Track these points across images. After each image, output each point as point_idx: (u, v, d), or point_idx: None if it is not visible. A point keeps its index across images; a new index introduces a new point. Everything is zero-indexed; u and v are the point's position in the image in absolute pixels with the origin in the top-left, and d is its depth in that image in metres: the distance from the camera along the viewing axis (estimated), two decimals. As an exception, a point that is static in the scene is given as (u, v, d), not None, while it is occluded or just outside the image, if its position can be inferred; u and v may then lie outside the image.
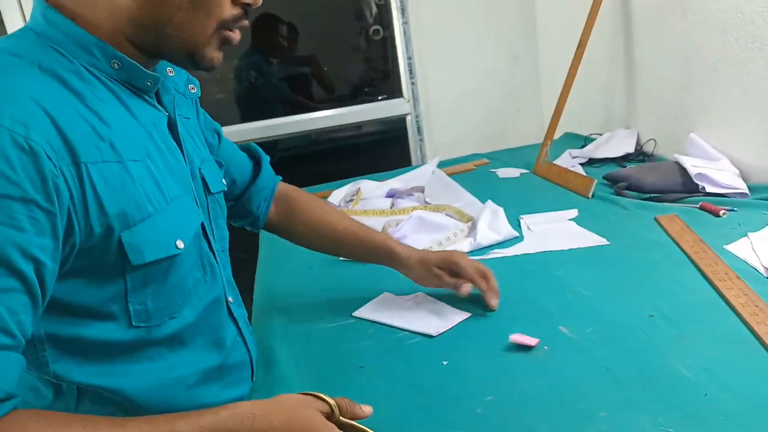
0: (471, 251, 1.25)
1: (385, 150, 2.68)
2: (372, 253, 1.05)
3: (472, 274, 0.98)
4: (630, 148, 1.74)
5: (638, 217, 1.30)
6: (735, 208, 1.24)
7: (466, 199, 1.60)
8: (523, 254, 1.20)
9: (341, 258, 1.25)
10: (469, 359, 0.86)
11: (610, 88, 1.89)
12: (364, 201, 1.71)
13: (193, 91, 0.86)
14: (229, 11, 0.69)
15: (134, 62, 0.69)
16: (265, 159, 1.03)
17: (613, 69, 1.85)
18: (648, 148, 1.72)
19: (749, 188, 1.32)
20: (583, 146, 1.92)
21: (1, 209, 0.55)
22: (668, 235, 1.18)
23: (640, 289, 0.99)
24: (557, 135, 2.15)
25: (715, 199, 1.29)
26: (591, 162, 1.78)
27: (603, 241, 1.20)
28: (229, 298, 0.84)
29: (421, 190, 1.72)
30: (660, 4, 1.57)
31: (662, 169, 1.46)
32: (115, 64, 0.68)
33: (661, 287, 0.98)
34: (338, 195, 1.76)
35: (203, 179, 0.82)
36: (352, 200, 1.72)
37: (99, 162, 0.63)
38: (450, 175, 1.89)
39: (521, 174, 1.81)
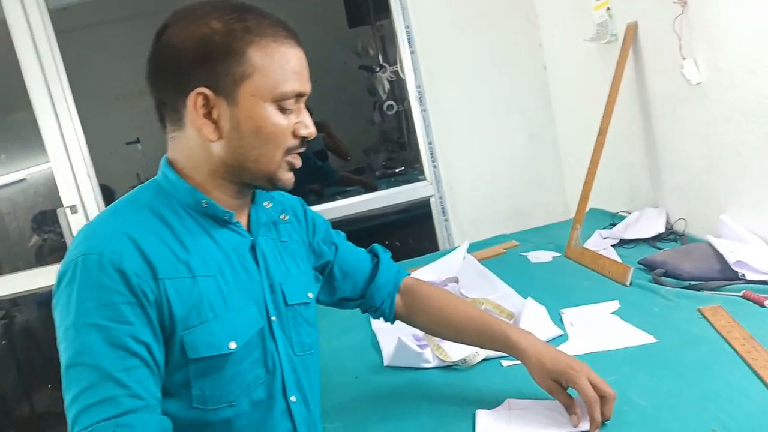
0: (517, 353, 1.25)
1: (414, 229, 2.72)
2: (490, 340, 1.08)
3: (590, 400, 0.92)
4: (660, 228, 1.76)
5: (681, 308, 1.30)
6: (779, 296, 1.24)
7: (502, 290, 1.61)
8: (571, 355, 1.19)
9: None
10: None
11: (634, 167, 1.92)
12: (399, 295, 1.72)
13: (284, 219, 1.04)
14: (291, 141, 0.89)
15: (216, 203, 0.90)
16: (384, 257, 1.18)
17: (635, 150, 1.89)
18: (678, 227, 1.73)
19: (790, 273, 1.32)
20: (612, 224, 1.94)
21: (114, 312, 0.77)
22: (715, 329, 1.18)
23: (697, 397, 0.98)
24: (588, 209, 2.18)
25: (757, 287, 1.29)
26: (622, 243, 1.80)
27: (650, 338, 1.20)
28: (292, 398, 0.95)
29: (455, 280, 1.73)
30: (676, 94, 1.61)
31: (698, 253, 1.47)
32: (204, 204, 0.90)
33: (718, 394, 0.97)
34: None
35: (282, 293, 0.98)
36: (387, 294, 1.74)
37: (174, 278, 0.83)
38: (481, 260, 1.91)
39: (553, 258, 1.82)
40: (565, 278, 1.64)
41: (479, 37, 2.37)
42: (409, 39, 2.33)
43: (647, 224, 1.79)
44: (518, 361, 1.16)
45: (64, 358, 0.77)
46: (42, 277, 2.32)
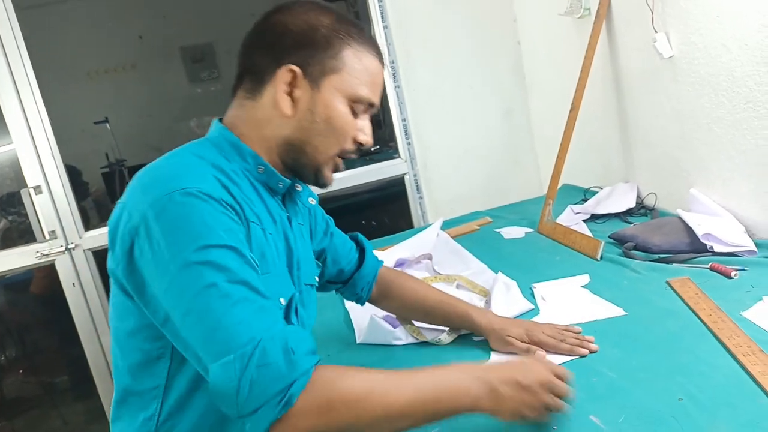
0: (489, 328, 1.25)
1: (389, 207, 2.70)
2: (455, 320, 1.21)
3: (554, 345, 1.09)
4: (631, 203, 1.77)
5: (650, 281, 1.31)
6: (745, 268, 1.26)
7: (474, 267, 1.61)
8: (541, 330, 1.20)
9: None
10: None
11: (606, 143, 1.92)
12: (372, 272, 1.71)
13: (312, 203, 1.08)
14: (349, 144, 0.95)
15: (273, 169, 0.94)
16: (369, 248, 1.26)
17: (607, 125, 1.89)
18: (649, 201, 1.75)
19: (756, 245, 1.33)
20: (583, 200, 1.95)
21: (235, 236, 0.80)
22: (683, 301, 1.19)
23: (665, 369, 0.99)
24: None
25: (725, 259, 1.31)
26: (593, 217, 1.81)
27: (620, 311, 1.21)
28: None
29: (429, 257, 1.73)
30: (649, 69, 1.61)
31: (668, 227, 1.48)
32: (260, 169, 0.94)
33: (685, 365, 0.98)
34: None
35: (300, 271, 1.02)
36: (361, 272, 1.73)
37: (253, 222, 0.87)
38: (454, 237, 1.90)
39: (526, 234, 1.82)
40: (537, 253, 1.65)
41: (453, 12, 2.34)
42: (382, 14, 2.29)
43: (618, 199, 1.81)
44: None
45: (203, 280, 0.74)
46: (8, 260, 2.27)
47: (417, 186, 2.46)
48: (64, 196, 2.24)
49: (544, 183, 2.44)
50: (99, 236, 2.30)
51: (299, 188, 1.02)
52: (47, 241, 2.25)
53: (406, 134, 2.41)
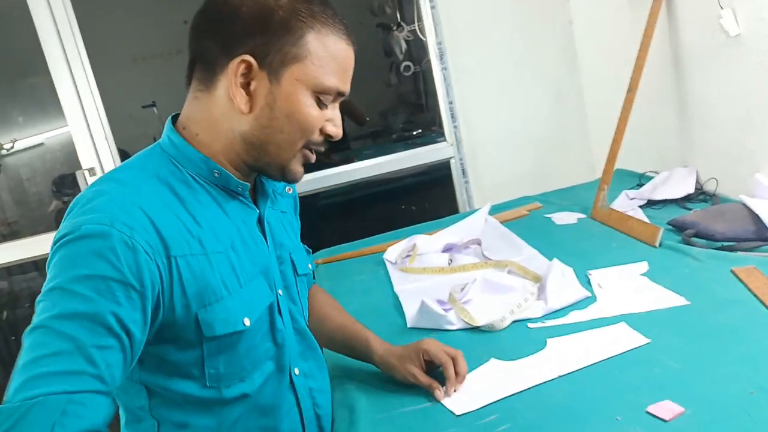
0: (544, 315, 1.23)
1: (431, 193, 2.68)
2: (352, 347, 1.12)
3: (444, 358, 1.01)
4: (690, 189, 1.70)
5: (713, 269, 1.26)
6: (817, 257, 1.20)
7: (526, 253, 1.57)
8: (600, 318, 1.17)
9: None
10: (565, 449, 0.84)
11: (663, 126, 1.85)
12: (420, 257, 1.71)
13: (289, 192, 1.05)
14: (316, 136, 0.87)
15: (229, 173, 0.87)
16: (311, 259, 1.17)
17: (664, 107, 1.82)
18: (709, 187, 1.68)
19: (829, 233, 1.27)
20: (639, 185, 1.89)
21: (105, 288, 0.71)
22: (750, 291, 1.14)
23: (732, 360, 0.95)
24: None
25: (794, 248, 1.25)
26: (650, 203, 1.75)
27: (682, 300, 1.16)
28: (295, 370, 0.97)
29: (478, 242, 1.71)
30: (711, 48, 1.54)
31: (731, 214, 1.42)
32: (216, 174, 0.87)
33: (754, 356, 0.94)
34: (394, 252, 1.75)
35: (293, 263, 0.99)
36: (408, 256, 1.72)
37: (187, 255, 0.80)
38: (503, 222, 1.87)
39: (578, 220, 1.78)
40: (592, 240, 1.60)
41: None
42: (429, -7, 2.25)
43: (676, 184, 1.74)
44: (545, 324, 1.19)
45: (37, 318, 0.70)
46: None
47: (463, 170, 2.43)
48: (117, 178, 2.29)
49: (595, 167, 2.38)
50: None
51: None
52: (101, 222, 2.30)
53: (452, 117, 2.38)
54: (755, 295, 1.12)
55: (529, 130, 2.41)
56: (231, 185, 0.88)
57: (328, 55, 0.83)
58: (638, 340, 1.06)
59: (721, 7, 1.44)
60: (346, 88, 0.87)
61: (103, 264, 0.71)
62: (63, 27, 2.17)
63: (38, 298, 0.72)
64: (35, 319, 0.70)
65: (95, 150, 2.27)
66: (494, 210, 1.97)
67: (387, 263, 1.73)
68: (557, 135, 2.42)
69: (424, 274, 1.60)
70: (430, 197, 2.74)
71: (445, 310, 1.28)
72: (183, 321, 0.80)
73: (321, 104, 0.85)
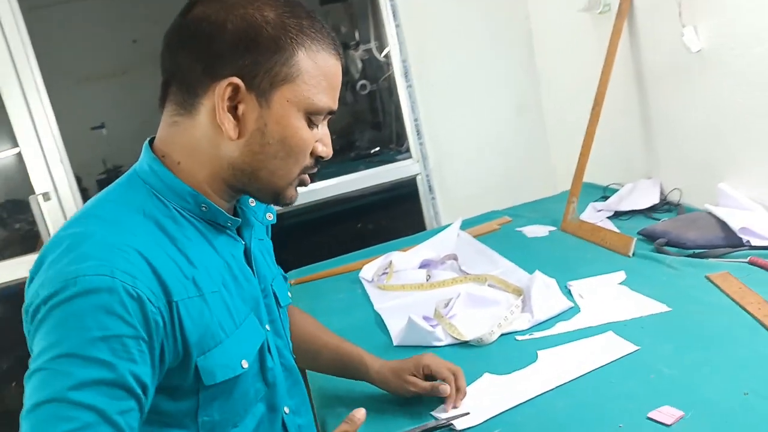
0: (531, 327, 1.23)
1: (397, 210, 2.68)
2: (345, 366, 1.09)
3: (446, 374, 1.00)
4: (655, 199, 1.76)
5: (688, 276, 1.30)
6: (785, 261, 1.25)
7: (503, 266, 1.59)
8: (586, 327, 1.18)
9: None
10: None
11: (627, 139, 1.91)
12: (397, 274, 1.69)
13: (269, 219, 0.97)
14: (309, 160, 0.82)
15: (219, 208, 0.81)
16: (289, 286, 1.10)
17: (628, 122, 1.88)
18: (673, 197, 1.74)
19: (793, 238, 1.33)
20: (604, 197, 1.94)
21: (121, 347, 0.66)
22: (727, 296, 1.18)
23: (722, 363, 0.97)
24: (573, 185, 2.17)
25: (763, 253, 1.30)
26: (617, 215, 1.80)
27: (664, 307, 1.19)
28: (285, 408, 0.92)
29: (454, 257, 1.71)
30: (674, 63, 1.61)
31: (700, 222, 1.47)
32: (203, 207, 0.80)
33: (743, 359, 0.97)
34: (370, 269, 1.74)
35: (275, 294, 0.93)
36: (385, 273, 1.71)
37: (185, 298, 0.74)
38: (476, 237, 1.89)
39: (549, 232, 1.81)
40: (565, 251, 1.63)
41: (465, 9, 2.32)
42: (393, 12, 2.27)
43: (641, 195, 1.80)
44: (533, 336, 1.20)
45: (46, 391, 0.63)
46: (11, 270, 2.21)
47: (429, 186, 2.44)
48: (74, 202, 2.20)
49: (559, 181, 2.43)
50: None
51: (253, 203, 0.90)
52: (56, 248, 2.19)
53: (418, 134, 2.39)
54: (733, 300, 1.16)
55: (494, 145, 2.45)
56: (219, 220, 0.81)
57: (320, 73, 0.77)
58: (628, 347, 1.08)
59: (683, 25, 1.50)
60: (336, 105, 0.81)
61: (114, 321, 0.66)
62: (13, 42, 2.08)
63: (38, 364, 0.65)
64: (44, 391, 0.63)
65: (50, 173, 2.16)
66: (464, 225, 1.98)
67: (363, 281, 1.71)
68: (521, 149, 2.46)
69: (403, 291, 1.59)
70: (396, 214, 2.74)
71: (431, 326, 1.27)
72: (181, 369, 0.75)
73: (312, 125, 0.80)
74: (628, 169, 1.95)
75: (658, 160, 1.81)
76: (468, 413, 0.97)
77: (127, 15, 4.66)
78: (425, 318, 1.31)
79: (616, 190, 1.93)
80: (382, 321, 1.42)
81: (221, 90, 0.73)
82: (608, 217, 1.79)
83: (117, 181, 0.81)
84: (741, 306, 1.13)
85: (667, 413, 0.88)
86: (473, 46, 2.36)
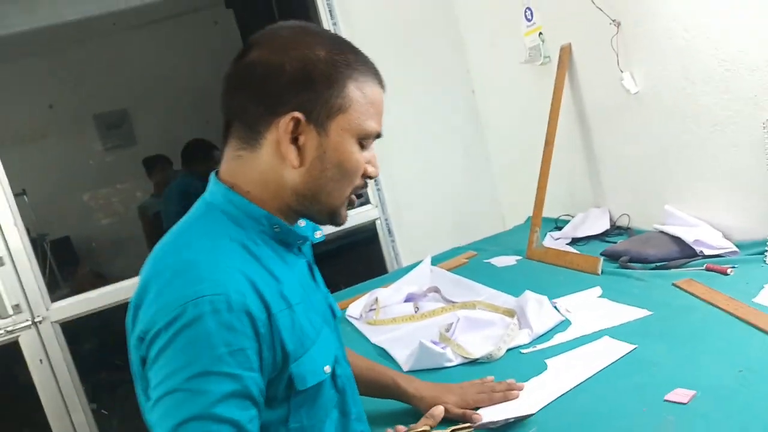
0: (532, 341, 1.34)
1: (354, 254, 2.76)
2: (382, 390, 1.16)
3: (488, 399, 1.11)
4: (606, 225, 1.96)
5: (657, 285, 1.47)
6: (735, 265, 1.45)
7: (485, 293, 1.70)
8: (582, 336, 1.31)
9: None
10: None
11: (573, 174, 2.12)
12: (384, 309, 1.77)
13: (318, 236, 0.99)
14: (360, 181, 0.90)
15: (291, 227, 0.89)
16: None
17: (573, 158, 2.09)
18: (622, 222, 1.94)
19: (736, 246, 1.54)
20: (557, 228, 2.12)
21: (245, 359, 0.74)
22: (697, 297, 1.35)
23: (712, 350, 1.12)
24: (523, 219, 2.36)
25: (716, 260, 1.50)
26: (574, 241, 1.97)
27: (645, 312, 1.34)
28: (353, 414, 0.98)
29: (436, 289, 1.81)
30: (614, 104, 1.84)
31: (653, 240, 1.66)
32: (276, 228, 0.87)
33: (727, 345, 1.13)
34: (357, 307, 1.80)
35: (331, 306, 1.01)
36: (373, 309, 1.77)
37: (280, 311, 0.80)
38: (449, 270, 2.00)
39: (517, 261, 1.95)
40: (538, 276, 1.77)
41: (409, 67, 2.50)
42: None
43: (594, 223, 1.99)
44: (536, 348, 1.30)
45: (186, 410, 0.69)
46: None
47: (389, 229, 2.55)
48: (29, 265, 2.12)
49: (507, 217, 2.61)
50: (68, 307, 2.17)
51: (302, 224, 0.95)
52: (11, 316, 2.09)
53: (375, 181, 2.51)
54: (703, 300, 1.33)
55: (445, 188, 2.61)
56: (290, 239, 0.89)
57: (367, 101, 0.85)
58: (626, 347, 1.21)
59: (621, 71, 1.74)
60: (381, 129, 0.90)
61: (236, 337, 0.72)
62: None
63: (169, 386, 0.70)
64: (182, 411, 0.69)
65: (3, 238, 2.08)
66: (433, 261, 2.09)
67: (351, 319, 1.77)
68: (469, 190, 2.64)
69: (395, 323, 1.66)
70: (355, 258, 2.82)
71: (441, 348, 1.35)
72: (278, 379, 0.80)
73: (363, 148, 0.88)
74: (575, 200, 2.16)
75: (604, 190, 2.02)
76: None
77: (40, 80, 4.57)
78: (432, 341, 1.39)
79: (567, 221, 2.12)
80: (384, 352, 1.49)
81: (285, 125, 0.82)
82: (567, 244, 1.96)
83: (190, 213, 0.88)
84: (711, 304, 1.30)
85: (681, 394, 1.00)
86: (421, 100, 2.54)
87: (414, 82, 2.49)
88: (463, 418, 1.06)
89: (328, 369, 0.87)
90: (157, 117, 4.76)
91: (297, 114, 0.81)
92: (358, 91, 0.84)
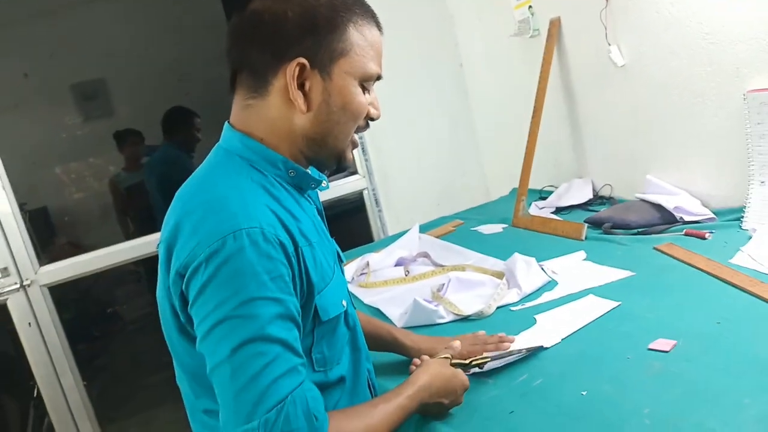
0: (521, 299, 1.41)
1: (345, 223, 2.79)
2: (381, 342, 1.20)
3: (481, 351, 1.14)
4: (589, 195, 2.02)
5: (639, 249, 1.54)
6: (713, 231, 1.52)
7: (473, 257, 1.76)
8: (568, 294, 1.37)
9: None
10: (600, 383, 1.00)
11: (557, 145, 2.18)
12: (375, 273, 1.81)
13: (324, 186, 1.02)
14: (363, 122, 0.94)
15: (305, 170, 0.93)
16: None
17: (558, 129, 2.14)
18: (605, 192, 2.01)
19: (714, 213, 1.61)
20: (541, 198, 2.18)
21: (284, 285, 0.79)
22: (677, 259, 1.42)
23: (691, 305, 1.19)
24: (507, 190, 2.42)
25: (695, 226, 1.57)
26: (558, 210, 2.04)
27: (628, 273, 1.41)
28: (363, 351, 1.03)
29: (425, 255, 1.86)
30: (601, 76, 1.89)
31: (635, 208, 1.73)
32: (291, 173, 0.92)
33: (706, 300, 1.20)
34: (349, 271, 1.84)
35: (338, 253, 1.05)
36: (364, 273, 1.82)
37: (304, 246, 0.85)
38: (437, 237, 2.05)
39: (503, 228, 2.01)
40: (524, 241, 1.83)
41: (399, 38, 2.51)
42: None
43: (577, 192, 2.05)
44: (525, 306, 1.36)
45: (240, 335, 0.74)
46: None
47: (376, 200, 2.59)
48: (17, 228, 2.11)
49: (491, 188, 2.67)
50: (56, 271, 2.17)
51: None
52: (-1, 279, 2.09)
53: (363, 150, 2.54)
54: (682, 261, 1.40)
55: (431, 160, 2.65)
56: (304, 183, 0.93)
57: (367, 44, 0.89)
58: (611, 304, 1.28)
59: (609, 44, 1.79)
60: (381, 71, 0.93)
61: (275, 264, 0.77)
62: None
63: (220, 315, 0.74)
64: (239, 334, 0.74)
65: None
66: (421, 229, 2.14)
67: (343, 282, 1.81)
68: (455, 161, 2.68)
69: (386, 286, 1.71)
70: (344, 227, 2.85)
71: (434, 306, 1.40)
72: (304, 309, 0.85)
73: (365, 90, 0.91)
74: (559, 171, 2.22)
75: (588, 161, 2.08)
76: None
77: (15, 50, 4.47)
78: (426, 298, 1.44)
79: (551, 192, 2.18)
80: (378, 312, 1.53)
81: (291, 70, 0.85)
82: (551, 213, 2.02)
83: (209, 160, 0.91)
84: (690, 264, 1.37)
85: (663, 343, 1.07)
86: (409, 73, 2.56)
87: (402, 55, 2.52)
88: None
89: (344, 303, 0.94)
90: (135, 88, 4.70)
91: (302, 59, 0.85)
92: (358, 34, 0.88)
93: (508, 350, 1.13)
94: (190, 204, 0.83)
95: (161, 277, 0.86)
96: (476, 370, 1.08)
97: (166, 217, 0.87)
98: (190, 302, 0.79)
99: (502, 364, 1.11)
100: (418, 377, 0.95)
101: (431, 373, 0.96)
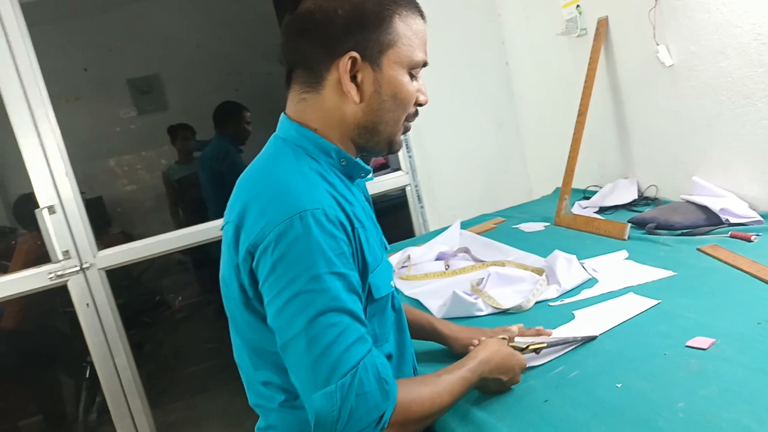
0: (560, 296, 1.42)
1: (387, 218, 2.84)
2: (420, 331, 1.24)
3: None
4: (634, 195, 2.01)
5: (682, 250, 1.53)
6: (759, 234, 1.50)
7: (514, 254, 1.77)
8: (608, 292, 1.38)
9: None
10: (635, 377, 1.02)
11: (603, 145, 2.17)
12: (416, 266, 1.85)
13: (369, 177, 1.07)
14: (413, 108, 0.99)
15: (356, 160, 0.98)
16: None
17: (604, 129, 2.14)
18: (650, 193, 2.00)
19: (762, 216, 1.59)
20: (585, 198, 2.18)
21: (347, 261, 0.85)
22: (721, 261, 1.41)
23: (733, 305, 1.19)
24: (550, 190, 2.43)
25: (741, 228, 1.55)
26: (601, 210, 2.04)
27: (670, 273, 1.41)
28: (407, 332, 1.09)
29: (466, 250, 1.89)
30: (647, 75, 1.88)
31: (682, 209, 1.72)
32: (343, 162, 0.97)
33: (749, 301, 1.19)
34: (391, 262, 1.88)
35: (383, 240, 1.10)
36: (405, 266, 1.86)
37: (358, 227, 0.91)
38: (478, 234, 2.07)
39: (545, 227, 2.02)
40: (565, 240, 1.84)
41: (445, 37, 2.55)
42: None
43: (622, 193, 2.04)
44: (564, 301, 1.38)
45: (313, 308, 0.80)
46: (18, 283, 2.19)
47: (418, 196, 2.63)
48: (78, 214, 2.23)
49: (532, 189, 2.68)
50: (113, 255, 2.29)
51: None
52: (61, 261, 2.21)
53: (407, 147, 2.58)
54: (726, 263, 1.39)
55: (475, 159, 2.67)
56: (354, 172, 0.99)
57: (413, 34, 0.94)
58: (650, 302, 1.28)
59: (657, 44, 1.78)
60: (427, 58, 0.98)
61: (338, 242, 0.84)
62: (21, 58, 2.13)
63: (294, 290, 0.80)
64: (313, 307, 0.80)
65: (55, 186, 2.19)
66: (462, 226, 2.17)
67: (384, 274, 1.85)
68: (499, 161, 2.70)
69: (426, 279, 1.75)
70: (387, 222, 2.90)
71: (473, 299, 1.44)
72: (361, 288, 0.90)
73: (413, 78, 0.96)
74: (604, 172, 2.21)
75: (633, 161, 2.07)
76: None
77: (76, 44, 4.67)
78: (464, 291, 1.47)
79: (594, 192, 2.17)
80: (418, 303, 1.57)
81: (344, 64, 0.91)
82: (595, 213, 2.02)
83: (267, 148, 0.98)
84: (734, 266, 1.36)
85: (702, 341, 1.08)
86: (455, 70, 2.59)
87: (448, 54, 2.55)
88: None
89: (393, 284, 1.00)
90: (187, 83, 4.86)
91: (353, 53, 0.91)
92: (404, 25, 0.93)
93: (563, 338, 1.16)
94: (257, 188, 0.89)
95: (226, 257, 0.92)
96: (532, 354, 1.12)
97: (230, 201, 0.93)
98: (260, 280, 0.85)
99: (558, 354, 1.14)
100: (479, 353, 1.00)
101: (491, 350, 1.01)
